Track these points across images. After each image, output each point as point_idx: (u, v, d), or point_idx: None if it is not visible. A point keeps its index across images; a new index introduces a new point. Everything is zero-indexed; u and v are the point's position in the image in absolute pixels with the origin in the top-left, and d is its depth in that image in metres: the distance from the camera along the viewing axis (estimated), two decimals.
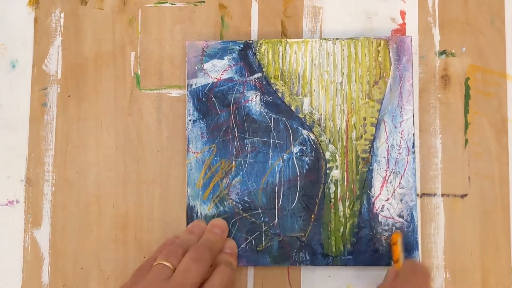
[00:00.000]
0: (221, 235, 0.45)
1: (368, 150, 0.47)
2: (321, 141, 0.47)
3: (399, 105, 0.47)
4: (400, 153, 0.47)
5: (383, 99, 0.47)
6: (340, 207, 0.46)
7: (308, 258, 0.46)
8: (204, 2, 0.50)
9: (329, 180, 0.47)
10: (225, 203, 0.47)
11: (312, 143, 0.47)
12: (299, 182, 0.47)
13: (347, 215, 0.46)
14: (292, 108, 0.47)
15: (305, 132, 0.47)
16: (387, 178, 0.46)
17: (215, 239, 0.44)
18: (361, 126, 0.47)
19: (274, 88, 0.48)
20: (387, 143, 0.47)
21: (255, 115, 0.47)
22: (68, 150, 0.49)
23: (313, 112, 0.47)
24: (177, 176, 0.48)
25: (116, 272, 0.48)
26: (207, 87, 0.48)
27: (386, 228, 0.46)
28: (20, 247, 0.49)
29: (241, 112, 0.48)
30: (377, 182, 0.47)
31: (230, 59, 0.48)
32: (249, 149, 0.47)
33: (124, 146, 0.49)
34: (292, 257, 0.46)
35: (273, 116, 0.47)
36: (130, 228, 0.48)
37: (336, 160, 0.47)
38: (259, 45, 0.48)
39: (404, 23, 0.49)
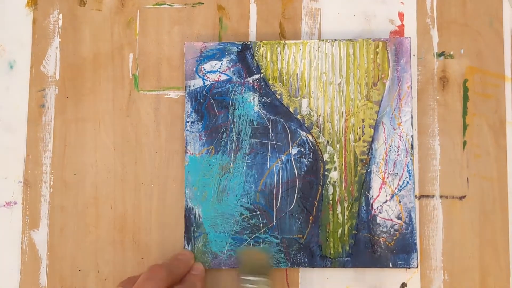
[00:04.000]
0: (185, 261, 0.45)
1: (367, 152, 0.47)
2: (319, 143, 0.47)
3: (397, 106, 0.47)
4: (398, 155, 0.46)
5: (381, 100, 0.47)
6: (339, 208, 0.46)
7: (306, 259, 0.46)
8: (203, 3, 0.50)
9: (327, 182, 0.47)
10: (223, 204, 0.47)
11: (311, 144, 0.47)
12: (297, 184, 0.47)
13: (346, 217, 0.46)
14: (291, 109, 0.47)
15: (303, 133, 0.47)
16: (385, 179, 0.46)
17: (177, 262, 0.45)
18: (359, 128, 0.47)
19: (272, 90, 0.48)
20: (385, 144, 0.47)
21: (253, 116, 0.47)
22: (66, 152, 0.49)
23: (312, 113, 0.47)
24: (175, 178, 0.48)
25: (114, 273, 0.48)
26: (205, 89, 0.48)
27: (385, 230, 0.46)
28: (18, 249, 0.48)
29: (240, 114, 0.47)
30: (375, 183, 0.46)
31: (228, 60, 0.48)
32: (247, 150, 0.47)
33: (122, 147, 0.49)
34: (290, 259, 0.46)
35: (272, 117, 0.47)
36: (128, 229, 0.48)
37: (334, 162, 0.47)
38: (257, 46, 0.48)
39: (403, 25, 0.49)
